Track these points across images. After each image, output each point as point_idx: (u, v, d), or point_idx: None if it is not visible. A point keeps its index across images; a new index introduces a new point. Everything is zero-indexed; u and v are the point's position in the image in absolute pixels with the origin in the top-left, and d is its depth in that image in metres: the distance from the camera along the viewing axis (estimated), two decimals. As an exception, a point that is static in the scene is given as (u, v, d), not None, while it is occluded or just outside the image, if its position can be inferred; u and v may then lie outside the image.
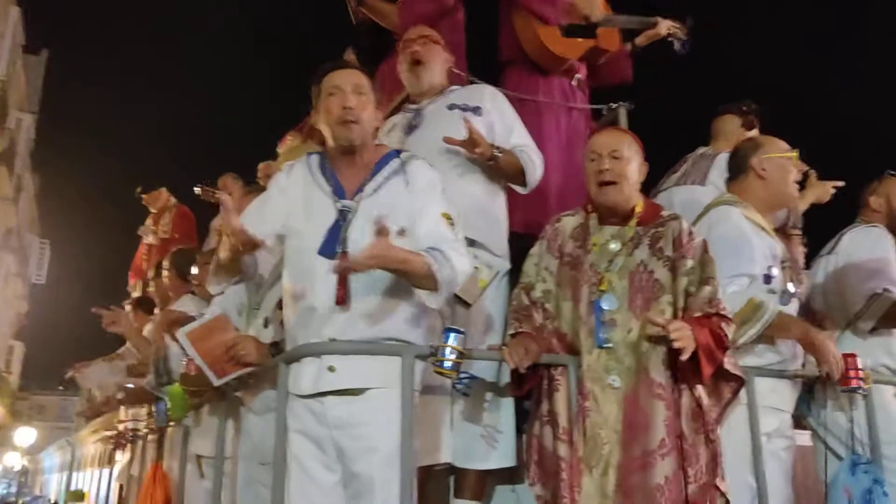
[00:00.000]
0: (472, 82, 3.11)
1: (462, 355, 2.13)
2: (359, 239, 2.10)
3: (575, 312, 2.28)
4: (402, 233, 2.13)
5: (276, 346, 2.43)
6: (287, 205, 2.27)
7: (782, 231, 3.14)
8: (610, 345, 2.20)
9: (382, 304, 2.13)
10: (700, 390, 2.20)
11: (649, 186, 3.46)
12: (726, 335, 2.19)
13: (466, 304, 2.63)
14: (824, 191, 3.58)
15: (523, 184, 2.80)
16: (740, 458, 2.38)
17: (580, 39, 3.57)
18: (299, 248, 2.21)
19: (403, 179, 2.23)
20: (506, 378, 2.71)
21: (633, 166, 2.36)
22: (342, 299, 2.10)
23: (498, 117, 2.82)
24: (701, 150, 3.62)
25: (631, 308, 2.23)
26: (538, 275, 2.39)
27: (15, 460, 31.72)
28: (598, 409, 2.16)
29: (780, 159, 2.76)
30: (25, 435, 29.44)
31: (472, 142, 2.58)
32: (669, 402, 2.16)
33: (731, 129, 3.57)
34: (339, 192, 2.21)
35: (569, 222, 2.42)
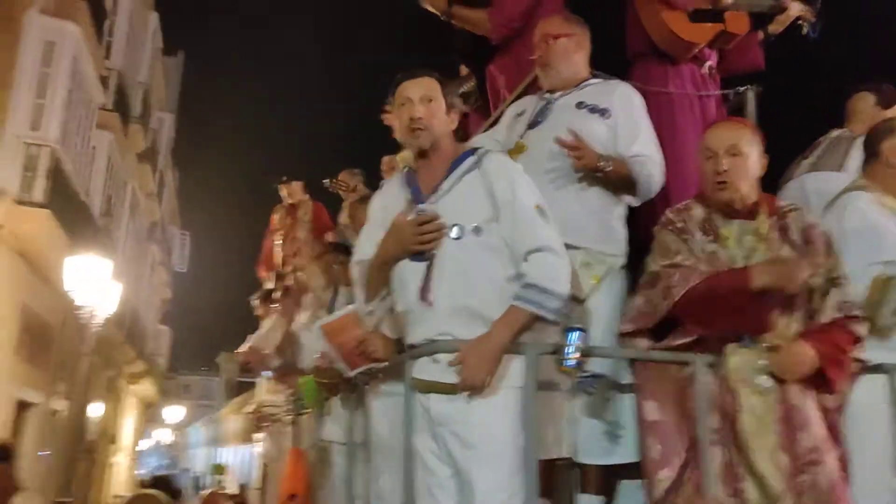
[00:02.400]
0: (594, 75, 3.08)
1: (585, 354, 2.15)
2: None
3: None
4: (477, 231, 2.21)
5: (402, 343, 2.55)
6: (386, 218, 2.39)
7: None
8: (752, 344, 2.16)
9: (472, 300, 2.20)
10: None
11: (779, 173, 3.31)
12: (855, 336, 2.15)
13: (579, 300, 2.63)
14: None
15: (635, 195, 2.76)
16: (881, 457, 2.30)
17: (708, 24, 3.46)
18: None
19: (479, 175, 2.29)
20: (626, 373, 2.71)
21: (752, 160, 2.30)
22: (425, 295, 2.21)
23: (624, 121, 2.78)
24: (835, 132, 3.43)
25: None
26: (681, 245, 2.34)
27: (165, 435, 34.34)
28: (751, 411, 2.11)
29: None
30: (174, 412, 31.79)
31: (576, 149, 2.58)
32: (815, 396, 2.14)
33: (865, 108, 3.37)
34: (417, 198, 2.34)
35: (697, 213, 2.38)
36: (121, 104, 13.51)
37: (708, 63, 3.51)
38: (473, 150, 2.37)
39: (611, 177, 2.67)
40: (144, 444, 31.99)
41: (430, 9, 3.61)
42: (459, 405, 2.16)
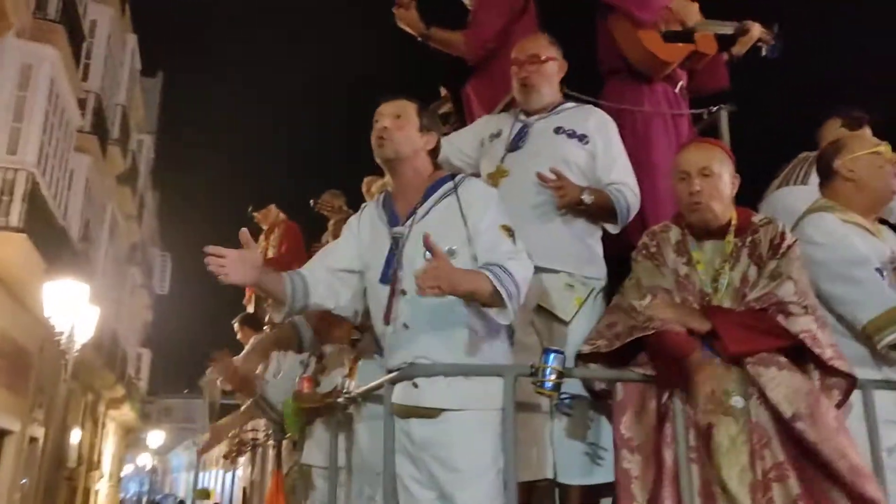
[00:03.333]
0: (567, 96, 3.11)
1: (562, 375, 2.15)
2: (412, 260, 2.22)
3: None
4: (451, 254, 2.20)
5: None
6: (359, 244, 2.42)
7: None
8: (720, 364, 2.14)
9: (445, 324, 2.21)
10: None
11: (756, 193, 3.36)
12: (781, 327, 2.10)
13: (563, 322, 2.65)
14: None
15: (614, 222, 2.77)
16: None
17: (680, 44, 3.53)
18: (371, 282, 2.37)
19: (455, 199, 2.31)
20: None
21: (725, 181, 2.32)
22: (388, 318, 2.24)
23: (602, 148, 2.80)
24: (804, 154, 3.50)
25: None
26: (655, 276, 2.33)
27: (146, 460, 33.90)
28: (723, 432, 2.10)
29: (866, 157, 2.65)
30: (155, 437, 31.37)
31: (559, 188, 2.61)
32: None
33: (832, 133, 3.43)
34: (393, 221, 2.35)
35: (672, 234, 2.39)
36: (99, 126, 13.45)
37: (680, 82, 3.59)
38: (452, 176, 2.39)
39: (592, 208, 2.70)
40: (126, 470, 31.54)
41: (408, 30, 3.65)
42: (440, 428, 2.15)
